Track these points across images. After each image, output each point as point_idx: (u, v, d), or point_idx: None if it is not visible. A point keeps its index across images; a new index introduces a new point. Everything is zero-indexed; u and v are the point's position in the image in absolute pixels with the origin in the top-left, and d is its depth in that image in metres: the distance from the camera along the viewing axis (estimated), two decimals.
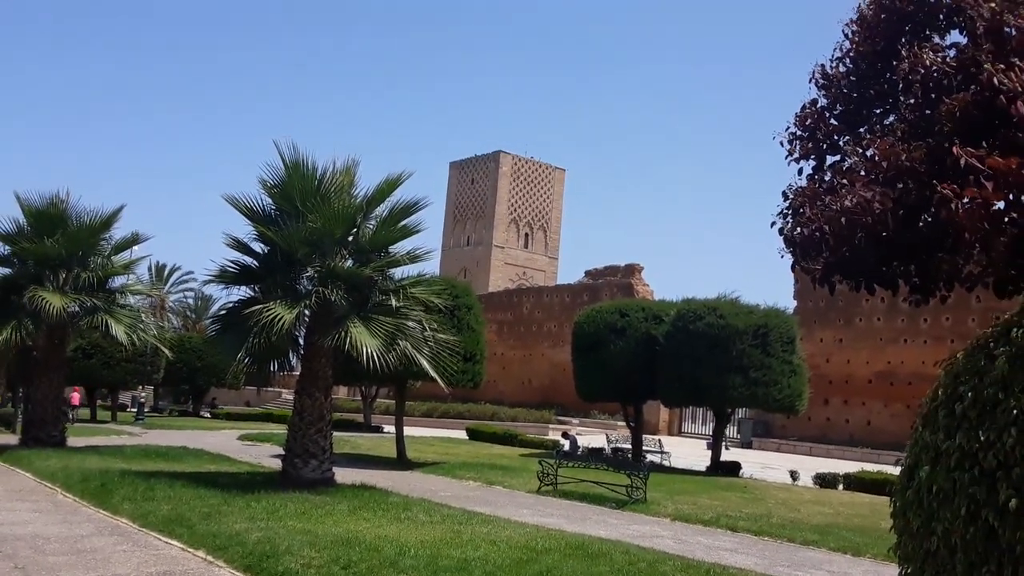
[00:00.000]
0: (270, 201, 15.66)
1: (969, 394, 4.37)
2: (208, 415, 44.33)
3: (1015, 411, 4.05)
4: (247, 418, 40.53)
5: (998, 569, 3.98)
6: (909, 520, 4.68)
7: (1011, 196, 3.71)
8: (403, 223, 16.03)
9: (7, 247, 20.52)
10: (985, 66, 3.74)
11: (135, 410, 39.09)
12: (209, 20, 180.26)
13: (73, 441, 21.62)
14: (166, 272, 60.69)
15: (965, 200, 3.70)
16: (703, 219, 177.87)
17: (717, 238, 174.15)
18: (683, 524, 14.10)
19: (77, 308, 20.54)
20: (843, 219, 4.13)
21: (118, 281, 22.27)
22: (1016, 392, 4.12)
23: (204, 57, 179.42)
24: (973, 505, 4.13)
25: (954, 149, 3.69)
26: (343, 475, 16.05)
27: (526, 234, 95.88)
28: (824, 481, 22.47)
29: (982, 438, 4.17)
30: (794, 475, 23.24)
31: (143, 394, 40.75)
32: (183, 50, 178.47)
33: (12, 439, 22.40)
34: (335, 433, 16.73)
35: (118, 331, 20.55)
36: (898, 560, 4.90)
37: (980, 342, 4.62)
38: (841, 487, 22.12)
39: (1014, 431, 4.01)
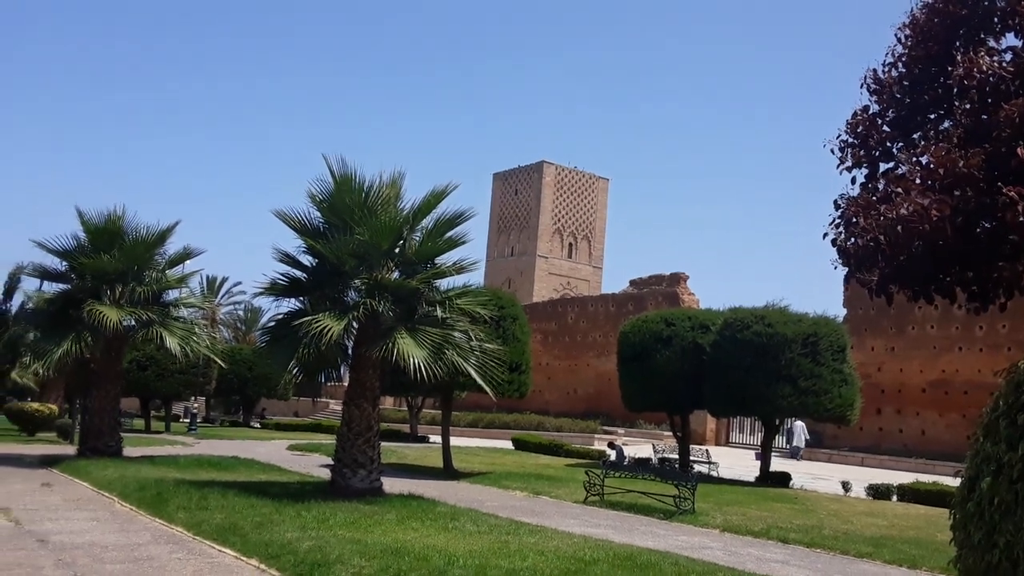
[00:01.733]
0: (318, 215, 15.91)
1: None
2: (258, 425, 44.97)
3: None
4: (296, 428, 41.03)
5: None
6: (970, 532, 4.59)
7: None
8: (448, 235, 16.15)
9: (65, 263, 21.12)
10: None
11: (188, 420, 39.84)
12: (255, 35, 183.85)
13: (129, 451, 22.10)
14: (216, 284, 61.80)
15: None
16: (749, 227, 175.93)
17: (764, 246, 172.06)
18: (732, 535, 13.92)
19: (133, 321, 21.03)
20: (899, 228, 4.07)
21: (171, 294, 22.78)
22: None
23: (251, 71, 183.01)
24: None
25: (1019, 151, 3.62)
26: (391, 485, 16.18)
27: (570, 244, 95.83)
28: (877, 492, 22.00)
29: None
30: (846, 486, 22.79)
31: (195, 405, 41.51)
32: (230, 65, 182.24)
33: (70, 449, 22.98)
34: (382, 443, 16.87)
35: (172, 343, 21.00)
36: (958, 573, 4.80)
37: None
38: (895, 498, 21.64)
39: None
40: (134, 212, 23.65)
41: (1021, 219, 3.51)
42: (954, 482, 4.89)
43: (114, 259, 20.65)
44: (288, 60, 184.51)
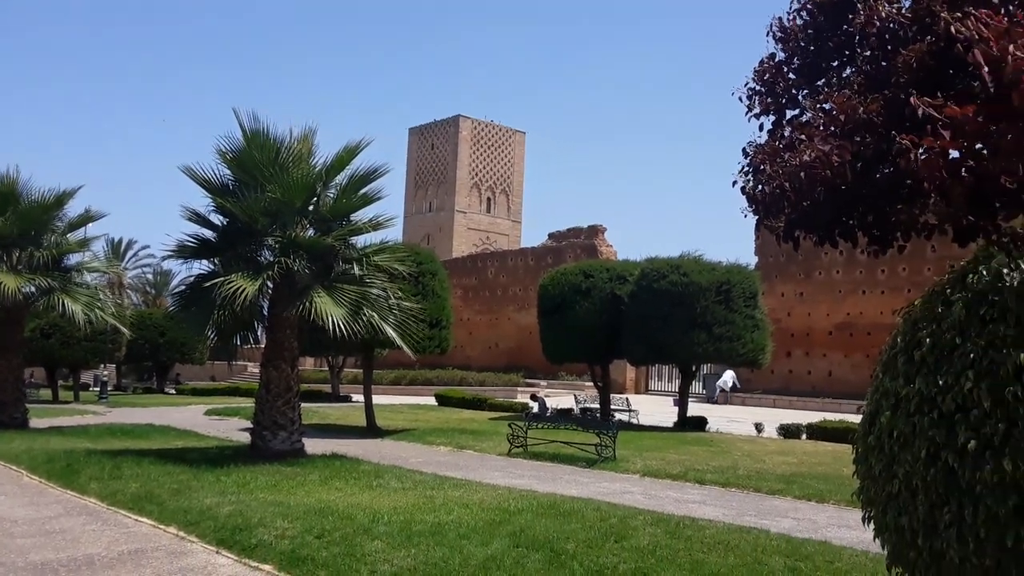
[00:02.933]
0: (228, 172, 15.41)
1: (927, 340, 4.47)
2: (173, 391, 43.87)
3: (972, 355, 4.15)
4: (213, 393, 40.19)
5: (959, 509, 4.10)
6: (871, 465, 4.80)
7: (968, 145, 3.78)
8: (363, 191, 15.90)
9: None
10: (942, 15, 3.79)
11: (98, 389, 38.54)
12: None
13: (36, 422, 21.32)
14: (123, 248, 59.47)
15: (922, 150, 3.76)
16: (664, 178, 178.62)
17: (679, 196, 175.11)
18: (652, 479, 14.32)
19: (32, 288, 20.12)
20: (803, 174, 4.17)
21: (73, 259, 21.86)
22: (972, 337, 4.21)
23: (159, 22, 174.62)
24: (933, 448, 4.23)
25: (912, 99, 3.73)
26: (313, 446, 16.04)
27: (488, 198, 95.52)
28: (788, 432, 22.93)
29: (940, 382, 4.26)
30: (759, 427, 23.69)
31: (105, 372, 40.13)
32: (136, 15, 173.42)
33: None
34: (303, 404, 16.69)
35: (75, 310, 20.18)
36: (861, 504, 5.03)
37: (937, 289, 4.72)
38: (804, 437, 22.58)
39: (971, 374, 4.11)
40: (30, 175, 22.59)
41: (915, 165, 3.63)
42: (858, 419, 5.10)
43: (9, 222, 19.67)
44: (197, 12, 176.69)
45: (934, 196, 3.91)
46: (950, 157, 3.74)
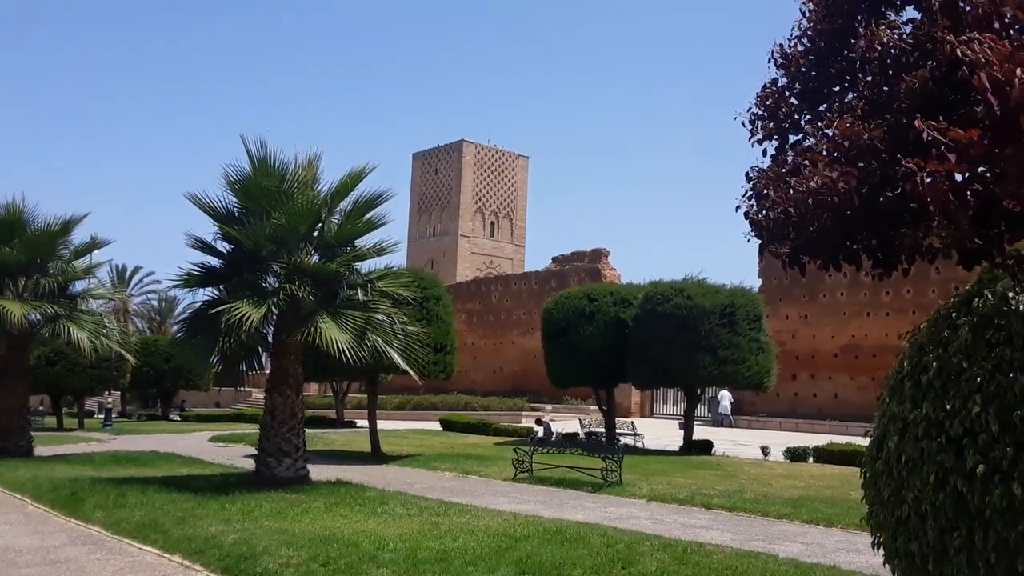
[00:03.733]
0: (234, 199, 15.48)
1: (934, 364, 4.46)
2: (178, 418, 43.75)
3: (979, 379, 4.15)
4: (218, 419, 40.06)
5: (968, 534, 4.08)
6: (880, 490, 4.78)
7: (972, 168, 3.80)
8: (368, 216, 15.95)
9: None
10: (948, 38, 3.82)
11: (102, 416, 38.46)
12: (166, 8, 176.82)
13: (40, 450, 21.28)
14: (128, 275, 59.66)
15: (927, 173, 3.78)
16: (668, 201, 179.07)
17: (682, 220, 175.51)
18: (659, 504, 14.23)
19: (38, 316, 20.17)
20: (809, 200, 4.19)
21: (79, 286, 21.92)
22: (979, 360, 4.21)
23: (163, 48, 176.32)
24: (942, 472, 4.22)
25: (916, 123, 3.76)
26: (318, 472, 15.98)
27: (492, 223, 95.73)
28: (794, 455, 22.78)
29: (948, 406, 4.26)
30: (765, 450, 23.54)
31: (110, 399, 40.04)
32: (141, 40, 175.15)
33: None
34: (308, 430, 16.63)
35: (81, 338, 20.21)
36: (870, 529, 5.00)
37: (943, 312, 4.72)
38: (811, 460, 22.44)
39: (979, 398, 4.11)
40: (36, 201, 22.75)
41: (920, 189, 3.66)
42: (865, 442, 5.08)
43: (15, 251, 19.76)
44: (199, 36, 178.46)
45: (938, 219, 3.92)
46: (955, 181, 3.76)
